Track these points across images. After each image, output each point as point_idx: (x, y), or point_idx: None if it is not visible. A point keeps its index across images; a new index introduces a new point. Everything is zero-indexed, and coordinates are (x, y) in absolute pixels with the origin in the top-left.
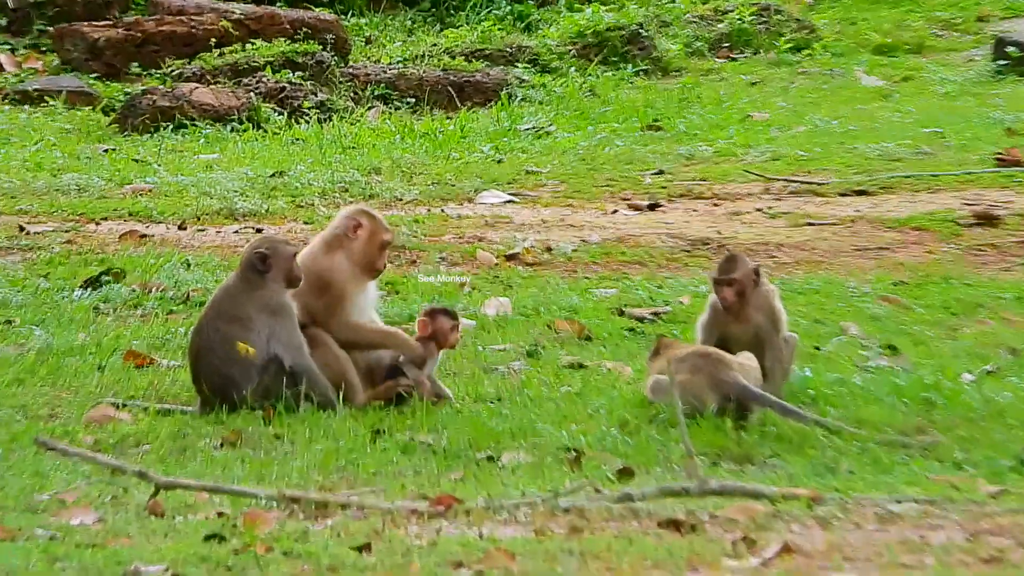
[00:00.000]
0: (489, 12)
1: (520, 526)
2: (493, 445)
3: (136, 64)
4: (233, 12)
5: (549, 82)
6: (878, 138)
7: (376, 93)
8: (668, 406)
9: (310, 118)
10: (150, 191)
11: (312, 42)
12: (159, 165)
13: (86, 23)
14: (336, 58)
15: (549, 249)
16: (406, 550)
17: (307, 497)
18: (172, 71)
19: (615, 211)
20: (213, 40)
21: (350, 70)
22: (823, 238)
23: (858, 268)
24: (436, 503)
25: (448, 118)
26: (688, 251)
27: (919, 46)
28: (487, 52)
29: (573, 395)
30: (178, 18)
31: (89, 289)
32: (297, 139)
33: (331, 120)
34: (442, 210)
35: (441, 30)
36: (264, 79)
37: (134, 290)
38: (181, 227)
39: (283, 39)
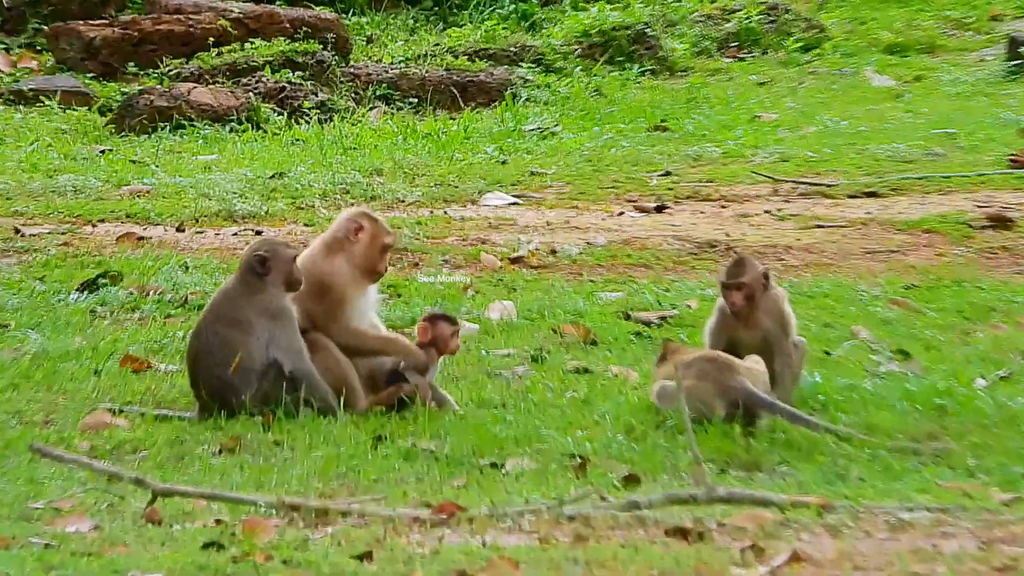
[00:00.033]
0: (493, 11)
1: (524, 534)
2: (497, 451)
3: (133, 63)
4: (232, 11)
5: (554, 82)
6: (889, 139)
7: (378, 93)
8: (675, 412)
9: (310, 119)
10: (148, 192)
11: (312, 41)
12: (157, 166)
13: (82, 22)
14: (337, 57)
15: (554, 252)
16: (408, 559)
17: (307, 504)
18: (170, 71)
19: (621, 213)
20: (211, 39)
21: (351, 70)
22: (833, 241)
23: (868, 271)
24: (438, 511)
25: (451, 119)
26: (695, 254)
27: (930, 45)
28: (491, 51)
29: (578, 401)
30: (175, 17)
31: (86, 292)
32: (297, 140)
33: (332, 121)
34: (445, 212)
35: (444, 29)
36: (263, 79)
37: (131, 293)
38: (179, 229)
39: (283, 38)
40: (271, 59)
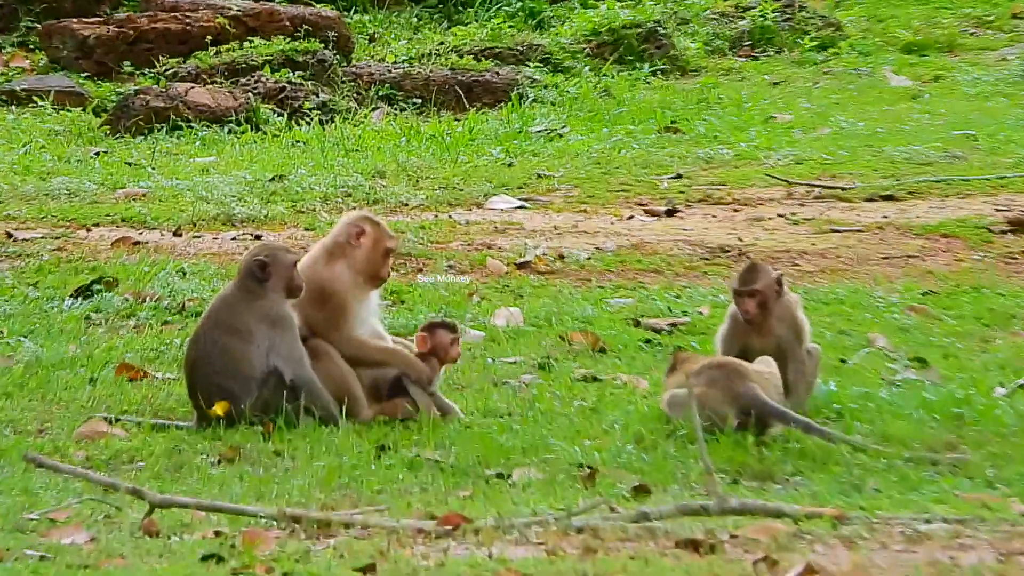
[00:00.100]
0: (499, 9)
1: (531, 546)
2: (503, 461)
3: (128, 63)
4: (230, 8)
5: (562, 82)
6: (906, 141)
7: (380, 93)
8: (686, 421)
9: (311, 119)
10: (144, 196)
11: (313, 40)
12: (153, 168)
13: (76, 20)
14: (338, 57)
15: (562, 257)
16: (412, 571)
17: (309, 516)
18: (166, 70)
19: (631, 217)
20: (209, 38)
21: (353, 69)
22: (848, 245)
23: (885, 277)
24: (443, 522)
25: (456, 120)
26: (707, 259)
27: (950, 44)
28: (497, 51)
29: (587, 410)
30: (172, 15)
31: (80, 298)
32: (298, 141)
33: (333, 122)
34: (450, 216)
35: (449, 27)
36: (263, 79)
37: (127, 299)
38: (176, 233)
39: (283, 37)
40: (271, 58)
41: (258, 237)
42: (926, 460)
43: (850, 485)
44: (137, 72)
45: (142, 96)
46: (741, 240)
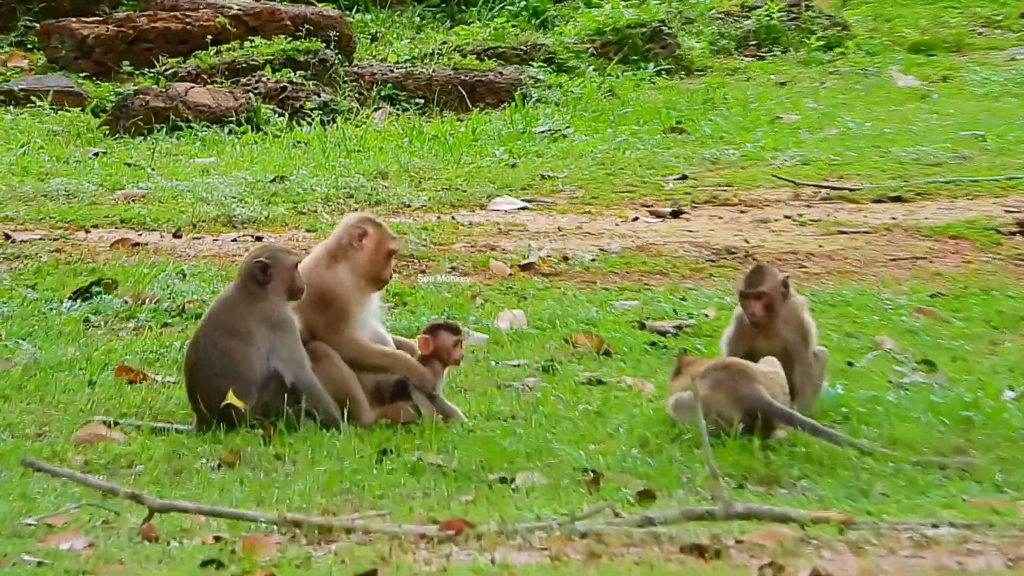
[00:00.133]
0: (502, 8)
1: (535, 551)
2: (506, 466)
3: (128, 62)
4: (231, 7)
5: (566, 82)
6: (914, 141)
7: (382, 93)
8: (691, 425)
9: (312, 120)
10: (143, 197)
11: (314, 39)
12: (152, 169)
13: (74, 19)
14: (340, 56)
15: (566, 258)
16: None
17: (309, 521)
18: (166, 70)
19: (636, 218)
20: (209, 37)
21: (355, 69)
22: (856, 247)
23: (893, 279)
24: (446, 527)
25: (459, 120)
26: (713, 261)
27: (958, 44)
28: (500, 50)
29: (591, 413)
30: (172, 14)
31: (79, 300)
32: (299, 142)
33: (335, 122)
34: (452, 217)
35: (451, 27)
36: (264, 79)
37: (126, 301)
38: (176, 235)
39: (284, 36)
40: (271, 58)
41: (259, 239)
42: (934, 464)
43: (857, 489)
44: (136, 72)
45: (141, 96)
46: (747, 242)
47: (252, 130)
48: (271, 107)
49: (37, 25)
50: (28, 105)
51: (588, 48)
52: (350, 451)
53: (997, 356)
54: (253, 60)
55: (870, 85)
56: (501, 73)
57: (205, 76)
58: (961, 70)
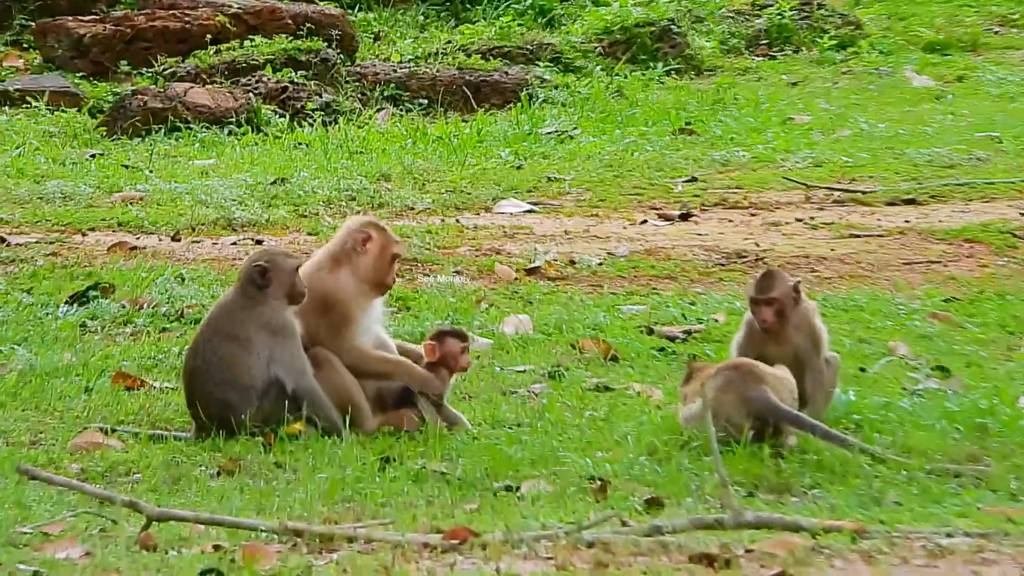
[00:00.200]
0: (508, 6)
1: (541, 561)
2: (512, 474)
3: (125, 62)
4: (231, 6)
5: (573, 82)
6: (929, 143)
7: (386, 94)
8: (701, 432)
9: (314, 121)
10: (141, 199)
11: (316, 39)
12: (151, 171)
13: (71, 18)
14: (342, 56)
15: (573, 262)
16: None
17: (311, 530)
18: (164, 70)
19: (644, 221)
20: (209, 36)
21: (357, 69)
22: (869, 251)
23: (906, 283)
24: (450, 536)
25: (464, 121)
26: (723, 265)
27: (973, 43)
28: (506, 50)
29: (598, 420)
30: (171, 12)
31: (75, 305)
32: (300, 143)
33: (337, 123)
34: (457, 220)
35: (456, 26)
36: (264, 79)
37: (124, 306)
38: (175, 238)
39: (284, 35)
40: (272, 57)
41: (259, 242)
42: (948, 472)
43: (870, 498)
44: (134, 72)
45: (139, 97)
46: (758, 245)
47: (252, 131)
48: (272, 108)
49: (33, 24)
50: (24, 105)
51: (596, 47)
52: (352, 459)
53: (1013, 362)
54: (253, 60)
55: (884, 85)
56: (507, 73)
57: (204, 76)
58: (977, 70)
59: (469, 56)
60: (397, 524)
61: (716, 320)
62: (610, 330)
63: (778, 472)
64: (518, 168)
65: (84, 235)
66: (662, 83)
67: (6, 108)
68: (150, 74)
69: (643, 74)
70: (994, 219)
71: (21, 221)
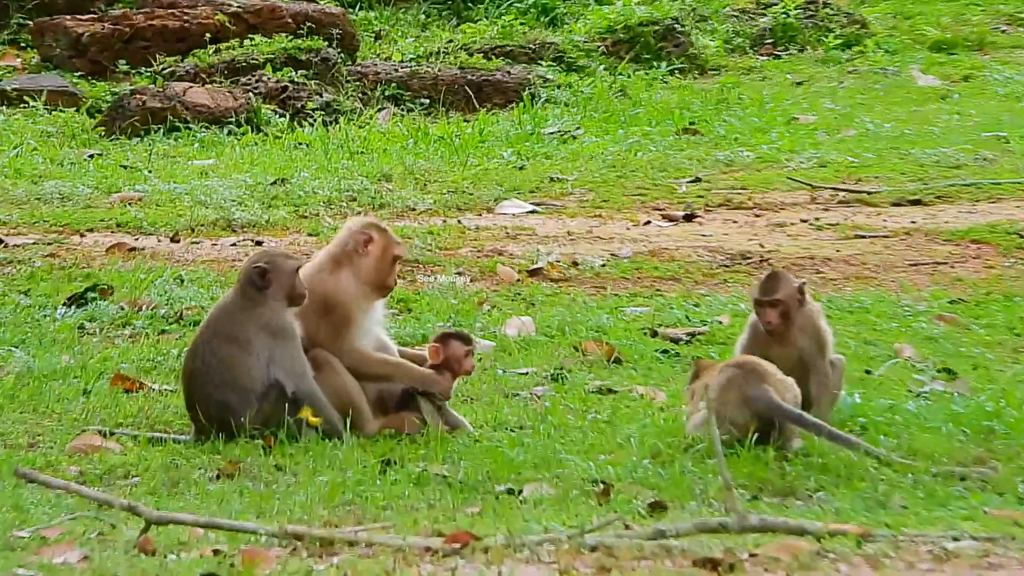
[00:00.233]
0: (510, 5)
1: (543, 565)
2: (514, 477)
3: (124, 61)
4: (230, 5)
5: (576, 82)
6: (935, 143)
7: (387, 93)
8: (705, 436)
9: (314, 120)
10: (140, 200)
11: (316, 38)
12: (149, 172)
13: (69, 16)
14: (343, 55)
15: (575, 264)
16: None
17: (311, 533)
18: (163, 69)
19: (647, 222)
20: (208, 35)
21: (358, 68)
22: (874, 252)
23: (912, 284)
24: (452, 540)
25: (465, 121)
26: (727, 266)
27: (980, 42)
28: (508, 49)
29: (601, 423)
30: (170, 11)
31: (73, 307)
32: (300, 143)
33: (337, 123)
34: (459, 221)
35: (458, 24)
36: (264, 78)
37: (122, 308)
38: (174, 239)
39: (285, 34)
40: (272, 57)
41: (259, 243)
42: (954, 475)
43: (875, 501)
44: (133, 71)
45: (138, 96)
46: (762, 246)
47: (252, 131)
48: (272, 107)
49: (30, 23)
50: (21, 105)
51: (599, 46)
52: (353, 462)
53: (1020, 364)
54: (253, 59)
55: (889, 85)
56: (509, 72)
57: (204, 75)
58: (984, 69)
59: (471, 55)
60: (398, 528)
61: (720, 322)
62: (613, 332)
63: (783, 475)
64: (520, 168)
65: (82, 236)
66: (666, 83)
67: (3, 108)
68: (149, 73)
69: (646, 73)
70: (1001, 220)
71: (19, 222)
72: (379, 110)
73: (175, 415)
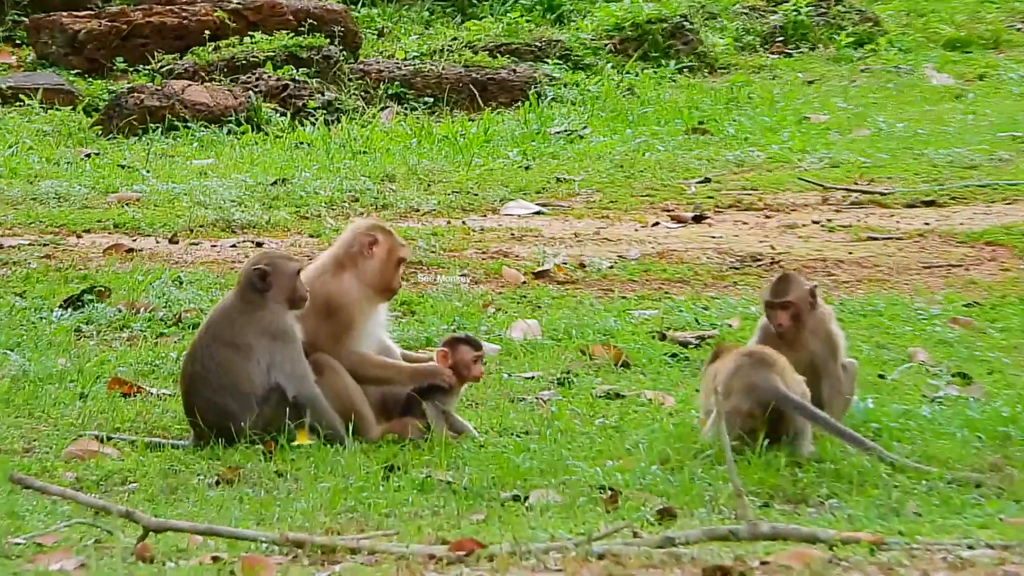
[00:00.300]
0: (516, 2)
1: (550, 573)
2: (520, 483)
3: (121, 59)
4: (230, 1)
5: (582, 80)
6: (949, 143)
7: (390, 92)
8: (715, 441)
9: (316, 119)
10: (137, 200)
11: (318, 35)
12: (147, 171)
13: (65, 13)
14: (345, 53)
15: (582, 265)
16: None
17: (312, 541)
18: (162, 67)
19: (656, 223)
20: (207, 32)
21: (361, 66)
22: (887, 254)
23: (926, 287)
24: (456, 547)
25: (470, 120)
26: (737, 268)
27: (995, 40)
28: (513, 47)
29: (609, 428)
30: (168, 8)
31: (70, 309)
32: (301, 143)
33: (339, 122)
34: (463, 222)
35: (462, 22)
36: (264, 76)
37: (120, 310)
38: (172, 240)
39: (285, 31)
40: (273, 54)
41: (259, 244)
42: (969, 482)
43: (889, 508)
44: (131, 69)
45: (136, 94)
46: (773, 248)
47: (252, 130)
48: (272, 106)
49: (26, 19)
50: (16, 103)
51: (606, 44)
52: (355, 468)
53: None
54: (253, 56)
55: (903, 84)
56: (514, 70)
57: (203, 73)
58: (999, 68)
59: (476, 53)
60: (401, 535)
61: (730, 325)
62: (621, 335)
63: (794, 482)
64: (526, 168)
65: (79, 237)
66: (674, 81)
67: None
68: (147, 71)
69: (655, 72)
70: (1017, 221)
71: (14, 222)
72: (382, 109)
73: (173, 420)
